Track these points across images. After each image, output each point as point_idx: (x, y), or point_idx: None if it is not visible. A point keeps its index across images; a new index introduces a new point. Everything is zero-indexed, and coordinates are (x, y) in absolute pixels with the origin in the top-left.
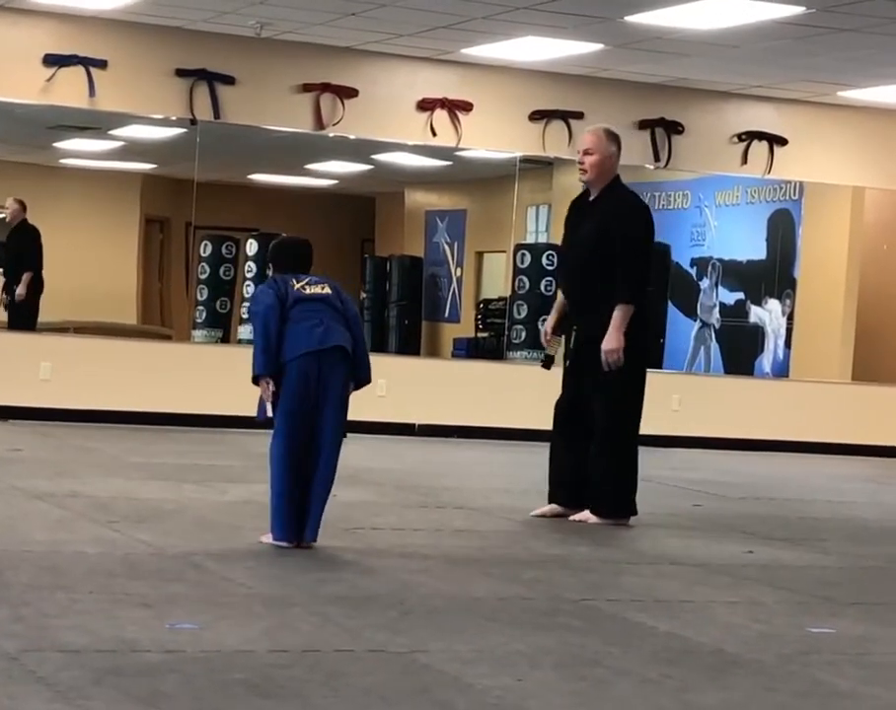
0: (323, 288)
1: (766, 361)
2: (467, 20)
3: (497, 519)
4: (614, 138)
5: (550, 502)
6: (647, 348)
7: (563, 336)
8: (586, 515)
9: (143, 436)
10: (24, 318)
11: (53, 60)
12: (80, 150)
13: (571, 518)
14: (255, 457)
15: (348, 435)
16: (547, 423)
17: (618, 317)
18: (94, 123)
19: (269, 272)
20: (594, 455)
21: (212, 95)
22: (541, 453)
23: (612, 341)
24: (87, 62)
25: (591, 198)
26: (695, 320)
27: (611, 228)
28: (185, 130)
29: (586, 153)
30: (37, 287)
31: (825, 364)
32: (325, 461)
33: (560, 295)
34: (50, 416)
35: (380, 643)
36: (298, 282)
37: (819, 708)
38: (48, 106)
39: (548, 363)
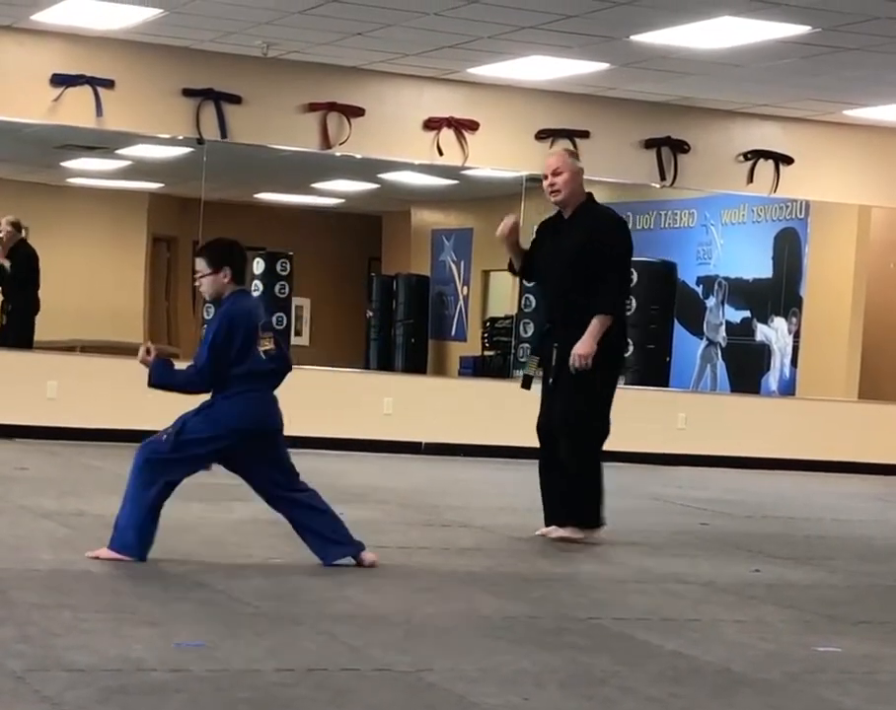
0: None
1: (772, 379)
2: (473, 39)
3: (503, 537)
4: (576, 157)
5: (547, 524)
6: (621, 363)
7: (541, 355)
8: (553, 529)
9: None
10: (19, 336)
11: (61, 80)
12: (87, 169)
13: (539, 532)
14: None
15: (356, 453)
16: None
17: (596, 324)
18: (101, 143)
19: (226, 277)
20: (562, 462)
21: (219, 114)
22: None
23: (585, 346)
24: (94, 82)
25: (567, 216)
26: (701, 339)
27: (593, 243)
28: (191, 149)
29: (555, 173)
30: (33, 307)
31: (831, 382)
32: None
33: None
34: (57, 435)
35: (386, 662)
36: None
37: None
38: (56, 125)
39: (527, 383)
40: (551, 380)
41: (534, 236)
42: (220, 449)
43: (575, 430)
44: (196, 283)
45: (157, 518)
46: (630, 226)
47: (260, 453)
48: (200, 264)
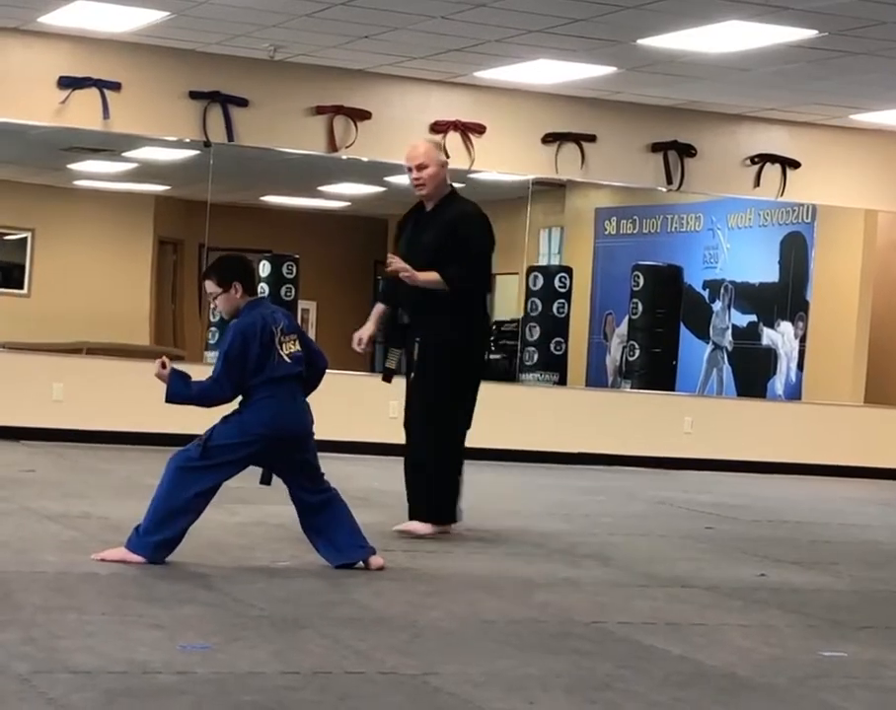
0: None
1: (778, 383)
2: (480, 43)
3: (508, 541)
4: (441, 149)
5: (410, 518)
6: (482, 362)
7: (402, 348)
8: (409, 524)
9: (156, 457)
10: None
11: (68, 82)
12: (94, 172)
13: (395, 528)
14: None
15: (361, 456)
16: (560, 445)
17: (434, 275)
18: (108, 145)
19: (238, 292)
20: (416, 456)
21: (226, 117)
22: (554, 475)
23: (412, 273)
24: (101, 84)
25: (429, 209)
26: (707, 343)
27: (453, 238)
28: (198, 152)
29: (421, 167)
30: None
31: (837, 386)
32: None
33: (378, 305)
34: (63, 437)
35: (391, 665)
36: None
37: None
38: (63, 128)
39: (388, 376)
40: (413, 374)
41: (396, 231)
42: (249, 455)
43: (429, 426)
44: (212, 305)
45: (180, 525)
46: (636, 229)
47: (287, 457)
48: (210, 286)
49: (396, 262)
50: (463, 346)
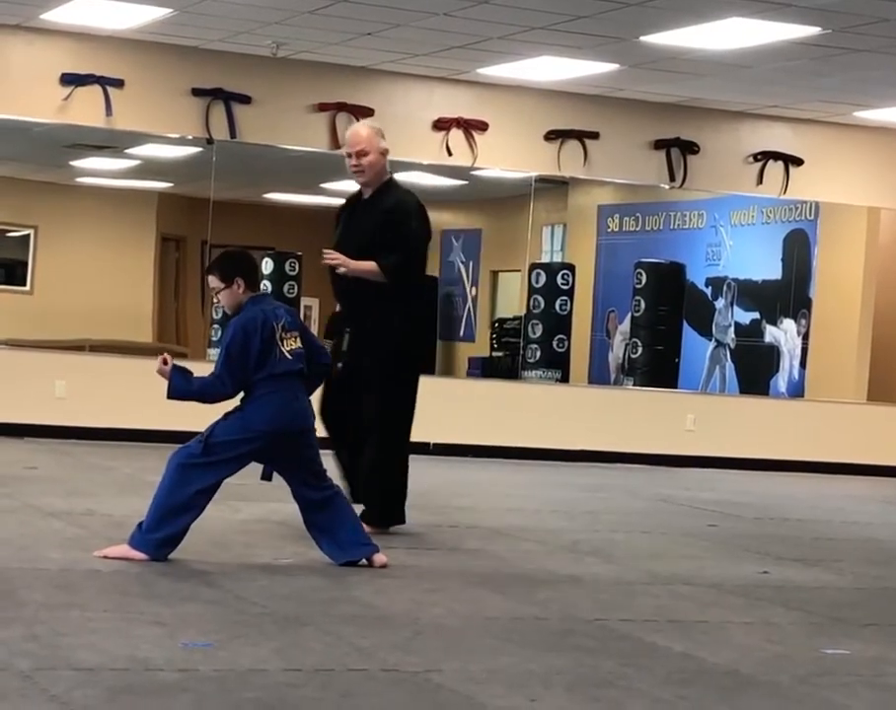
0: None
1: (781, 381)
2: (483, 40)
3: (511, 538)
4: (382, 135)
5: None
6: (422, 355)
7: (333, 339)
8: None
9: (159, 454)
10: None
11: (70, 79)
12: (96, 169)
13: None
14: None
15: None
16: (562, 442)
17: (371, 264)
18: (110, 142)
19: (240, 288)
20: (365, 460)
21: (228, 114)
22: (556, 472)
23: (351, 263)
24: (104, 81)
25: (367, 196)
26: (710, 340)
27: (390, 225)
28: (201, 149)
29: (361, 154)
30: None
31: (840, 384)
32: None
33: None
34: (66, 434)
35: (393, 663)
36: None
37: None
38: (65, 124)
39: None
40: (340, 364)
41: (334, 221)
42: (251, 451)
43: (378, 428)
44: (215, 300)
45: (183, 522)
46: (638, 226)
47: (290, 453)
48: (213, 281)
49: (329, 256)
50: (399, 340)
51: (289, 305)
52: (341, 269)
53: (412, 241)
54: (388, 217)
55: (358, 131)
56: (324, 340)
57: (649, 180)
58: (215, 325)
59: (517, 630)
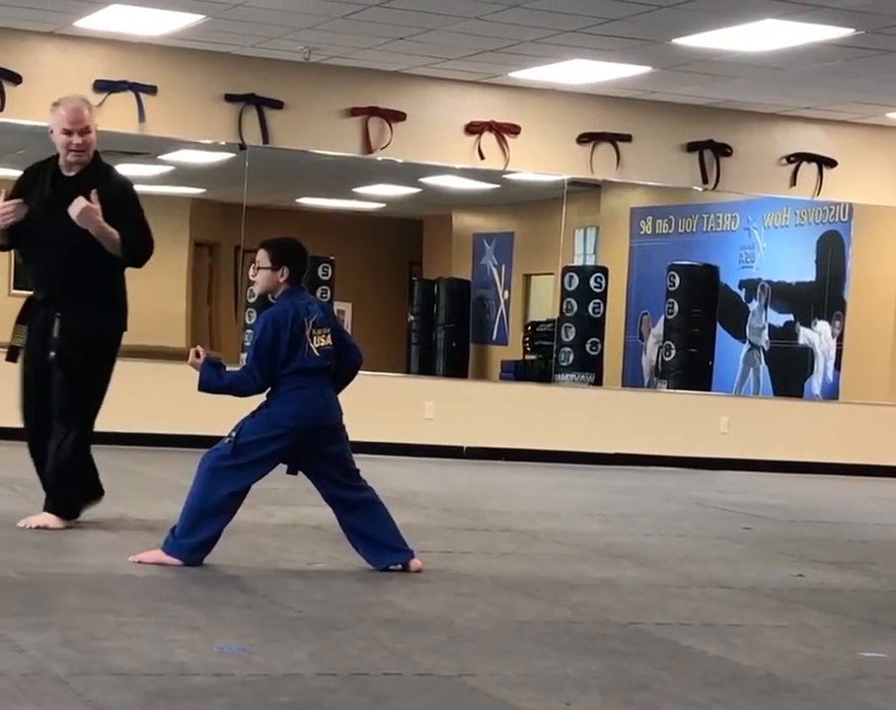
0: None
1: (815, 383)
2: (515, 43)
3: (544, 542)
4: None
5: (45, 509)
6: (119, 340)
7: (34, 326)
8: (46, 518)
9: (192, 459)
10: None
11: (104, 86)
12: (129, 175)
13: (23, 524)
14: (299, 479)
15: (397, 457)
16: (595, 446)
17: (116, 233)
18: (143, 148)
19: (283, 276)
20: (52, 451)
21: (261, 119)
22: (589, 475)
23: (99, 216)
24: (137, 88)
25: (71, 174)
26: (744, 342)
27: (119, 204)
28: (233, 155)
29: (85, 132)
30: None
31: (875, 386)
32: None
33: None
34: (98, 440)
35: (428, 666)
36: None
37: None
38: (98, 131)
39: (13, 355)
40: (53, 353)
41: (11, 193)
42: (279, 449)
43: (70, 417)
44: (252, 273)
45: (215, 526)
46: (671, 229)
47: (318, 450)
48: (262, 256)
49: (79, 203)
50: (114, 329)
51: None
52: (95, 217)
53: (145, 225)
54: (113, 196)
55: (79, 108)
56: (18, 327)
57: (682, 183)
58: (248, 331)
59: (551, 634)
